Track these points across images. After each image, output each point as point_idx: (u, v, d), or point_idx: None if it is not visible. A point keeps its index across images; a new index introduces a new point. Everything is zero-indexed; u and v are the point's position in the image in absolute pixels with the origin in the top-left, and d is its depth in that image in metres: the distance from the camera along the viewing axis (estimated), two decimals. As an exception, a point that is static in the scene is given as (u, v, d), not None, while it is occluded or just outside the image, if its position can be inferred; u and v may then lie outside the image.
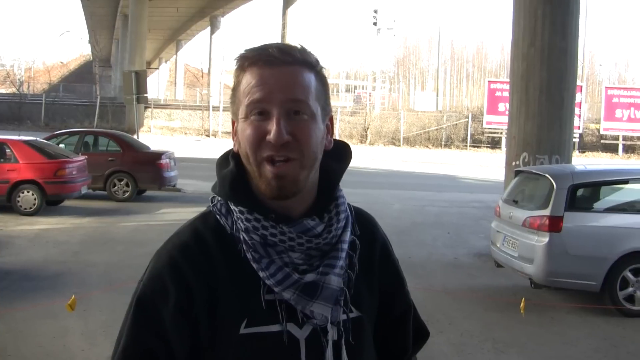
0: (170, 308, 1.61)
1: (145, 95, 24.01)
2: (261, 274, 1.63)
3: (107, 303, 8.71)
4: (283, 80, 1.61)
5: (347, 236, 1.74)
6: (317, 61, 1.69)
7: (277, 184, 1.61)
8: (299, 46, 1.67)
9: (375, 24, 59.51)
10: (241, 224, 1.66)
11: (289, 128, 1.59)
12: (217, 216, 1.72)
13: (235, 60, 1.67)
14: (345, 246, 1.72)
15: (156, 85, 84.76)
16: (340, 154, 1.79)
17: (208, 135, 49.36)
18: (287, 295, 1.62)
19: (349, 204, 1.80)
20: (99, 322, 8.02)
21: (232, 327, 1.62)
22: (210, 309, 1.63)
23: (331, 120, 1.76)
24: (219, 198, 1.74)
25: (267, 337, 1.63)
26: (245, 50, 1.67)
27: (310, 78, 1.65)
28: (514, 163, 13.00)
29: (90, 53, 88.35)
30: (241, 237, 1.66)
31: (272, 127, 1.58)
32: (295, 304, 1.63)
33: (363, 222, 1.85)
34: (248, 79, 1.62)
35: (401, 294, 1.93)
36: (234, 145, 1.72)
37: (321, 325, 1.66)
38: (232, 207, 1.70)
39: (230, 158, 1.76)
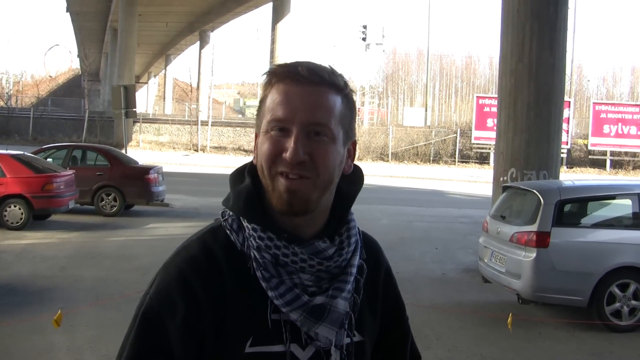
0: (178, 323, 1.60)
1: (134, 109, 23.98)
2: (270, 293, 1.62)
3: (94, 318, 8.68)
4: (308, 100, 1.61)
5: (356, 260, 1.74)
6: (346, 84, 1.69)
7: (288, 199, 1.61)
8: (328, 67, 1.67)
9: (364, 39, 59.61)
10: (253, 242, 1.65)
11: (307, 148, 1.60)
12: (228, 231, 1.70)
13: (265, 75, 1.67)
14: (354, 270, 1.73)
15: (145, 99, 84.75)
16: (352, 176, 1.79)
17: (197, 150, 49.29)
18: (295, 317, 1.61)
19: (357, 228, 1.80)
20: (85, 338, 7.98)
21: (237, 344, 1.62)
22: (218, 325, 1.61)
23: (354, 145, 1.78)
24: (231, 213, 1.73)
25: (270, 357, 1.63)
26: (275, 66, 1.68)
27: (336, 101, 1.65)
28: (501, 178, 13.03)
29: (79, 67, 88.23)
30: (252, 254, 1.65)
31: (290, 145, 1.58)
32: (301, 326, 1.63)
33: (368, 246, 1.86)
34: (274, 95, 1.62)
35: (401, 320, 1.94)
36: (254, 158, 1.71)
37: (325, 348, 1.66)
38: (245, 223, 1.68)
39: (246, 173, 1.75)
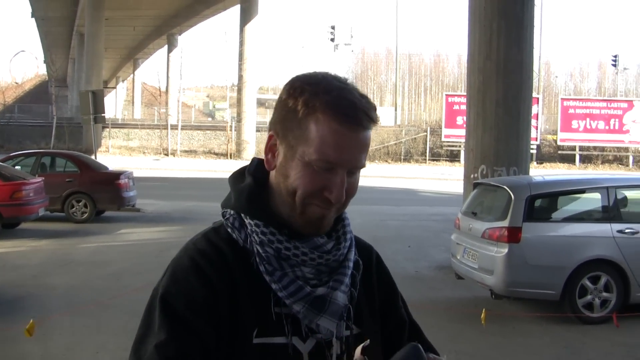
0: (198, 305, 1.62)
1: (103, 115, 23.80)
2: (274, 286, 1.66)
3: (67, 326, 8.61)
4: (358, 147, 1.64)
5: (352, 255, 1.80)
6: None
7: (318, 225, 1.69)
8: (369, 98, 1.68)
9: (332, 40, 59.83)
10: (256, 237, 1.69)
11: (345, 185, 1.66)
12: (229, 229, 1.74)
13: (300, 85, 1.66)
14: (351, 264, 1.78)
15: (114, 104, 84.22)
16: None
17: (167, 154, 49.04)
18: (297, 308, 1.66)
19: None
20: (59, 346, 7.91)
21: (245, 334, 1.65)
22: (231, 312, 1.65)
23: None
24: (232, 212, 1.76)
25: (274, 348, 1.66)
26: (316, 80, 1.67)
27: (370, 137, 1.69)
28: (472, 175, 13.09)
29: (46, 73, 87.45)
30: (255, 249, 1.69)
31: (335, 187, 1.64)
32: (303, 318, 1.67)
33: (360, 245, 1.91)
34: (324, 129, 1.61)
35: (395, 308, 1.97)
36: (269, 162, 1.73)
37: (326, 340, 1.70)
38: (247, 220, 1.72)
39: (246, 173, 1.80)
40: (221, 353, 1.63)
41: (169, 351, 1.57)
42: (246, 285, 1.67)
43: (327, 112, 1.60)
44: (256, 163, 1.81)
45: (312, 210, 1.66)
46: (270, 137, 1.72)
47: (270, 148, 1.72)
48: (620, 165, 45.36)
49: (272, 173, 1.73)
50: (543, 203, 10.06)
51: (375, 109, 1.66)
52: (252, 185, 1.75)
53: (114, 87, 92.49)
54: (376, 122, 1.65)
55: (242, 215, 1.73)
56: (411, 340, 1.90)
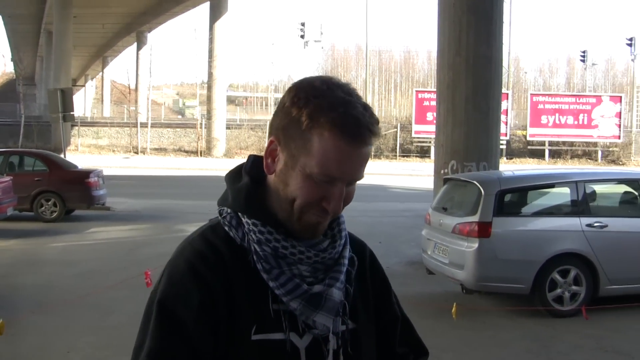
0: (194, 309, 1.64)
1: (72, 113, 23.58)
2: (271, 283, 1.69)
3: (37, 326, 8.53)
4: (360, 162, 1.66)
5: (347, 252, 1.83)
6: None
7: (313, 231, 1.72)
8: (373, 111, 1.68)
9: (302, 36, 59.70)
10: (254, 236, 1.72)
11: (344, 195, 1.68)
12: (227, 228, 1.76)
13: (305, 96, 1.65)
14: (346, 261, 1.81)
15: (82, 102, 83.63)
16: None
17: (137, 153, 48.80)
18: (294, 305, 1.69)
19: None
20: (29, 346, 7.84)
21: (244, 331, 1.67)
22: (229, 313, 1.67)
23: None
24: (229, 210, 1.77)
25: (272, 344, 1.69)
26: (321, 92, 1.65)
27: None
28: (442, 171, 13.15)
29: (13, 71, 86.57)
30: (253, 248, 1.72)
31: (333, 198, 1.66)
32: (300, 314, 1.70)
33: (354, 241, 1.93)
34: (328, 146, 1.61)
35: (388, 303, 2.00)
36: (269, 166, 1.73)
37: (322, 335, 1.73)
38: (244, 219, 1.74)
39: (244, 173, 1.82)
40: (221, 350, 1.65)
41: (161, 358, 1.60)
42: (244, 283, 1.69)
43: (332, 130, 1.60)
44: (252, 160, 1.83)
45: (309, 218, 1.69)
46: (271, 142, 1.72)
47: (270, 153, 1.72)
48: (589, 160, 45.85)
49: (271, 176, 1.74)
50: (513, 198, 10.14)
51: (377, 122, 1.67)
52: (249, 185, 1.77)
53: (83, 86, 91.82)
54: (378, 136, 1.67)
55: (240, 214, 1.75)
56: (403, 336, 2.00)
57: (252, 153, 1.89)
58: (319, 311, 1.70)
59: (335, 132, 1.60)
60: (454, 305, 7.79)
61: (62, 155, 22.19)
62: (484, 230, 9.31)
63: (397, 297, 2.05)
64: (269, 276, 1.68)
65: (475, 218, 9.43)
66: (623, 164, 44.30)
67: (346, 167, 1.63)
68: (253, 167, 1.80)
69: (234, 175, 1.84)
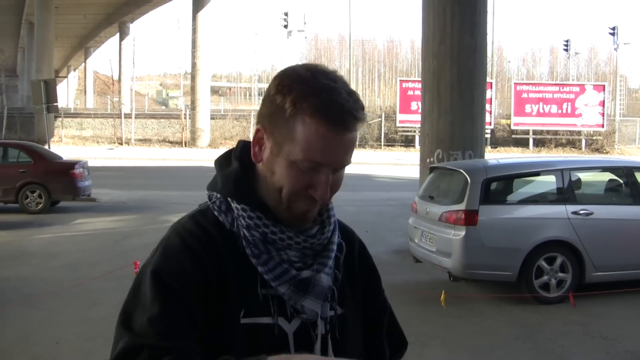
0: (189, 281, 1.63)
1: (55, 104, 23.50)
2: (260, 268, 1.70)
3: (24, 317, 8.52)
4: (344, 148, 1.66)
5: (336, 239, 1.83)
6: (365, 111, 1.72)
7: (302, 218, 1.72)
8: (359, 98, 1.67)
9: (285, 26, 59.57)
10: (243, 221, 1.72)
11: (330, 182, 1.68)
12: (216, 213, 1.76)
13: (289, 83, 1.65)
14: (335, 247, 1.82)
15: (65, 94, 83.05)
16: None
17: (121, 144, 48.58)
18: (283, 290, 1.69)
19: None
20: (13, 338, 7.82)
21: (233, 315, 1.67)
22: (219, 293, 1.67)
23: None
24: (218, 195, 1.78)
25: (260, 328, 1.69)
26: (305, 79, 1.65)
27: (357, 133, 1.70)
28: (428, 160, 13.18)
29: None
30: (242, 233, 1.72)
31: (320, 185, 1.66)
32: (288, 299, 1.70)
33: (343, 229, 1.94)
34: (311, 132, 1.61)
35: (377, 292, 2.01)
36: (256, 155, 1.74)
37: (311, 320, 1.74)
38: (234, 205, 1.74)
39: (233, 158, 1.82)
40: (209, 333, 1.65)
41: (162, 325, 1.57)
42: (233, 267, 1.69)
43: (314, 116, 1.60)
44: (242, 146, 1.83)
45: (298, 207, 1.69)
46: (257, 131, 1.72)
47: (257, 141, 1.73)
48: (573, 149, 45.99)
49: (260, 164, 1.75)
50: (499, 186, 10.18)
51: (363, 108, 1.66)
52: (238, 170, 1.77)
53: (65, 77, 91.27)
54: (364, 122, 1.66)
55: (229, 199, 1.76)
56: (389, 326, 2.01)
57: (241, 139, 1.90)
58: (307, 296, 1.71)
59: (318, 118, 1.59)
60: (443, 292, 7.83)
61: (46, 147, 22.07)
62: (470, 218, 9.35)
63: (383, 288, 2.05)
64: (257, 261, 1.69)
65: (462, 206, 9.47)
66: (607, 153, 44.50)
67: (330, 153, 1.63)
68: (243, 152, 1.80)
69: (223, 160, 1.85)
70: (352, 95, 1.64)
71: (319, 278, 1.73)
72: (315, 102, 1.60)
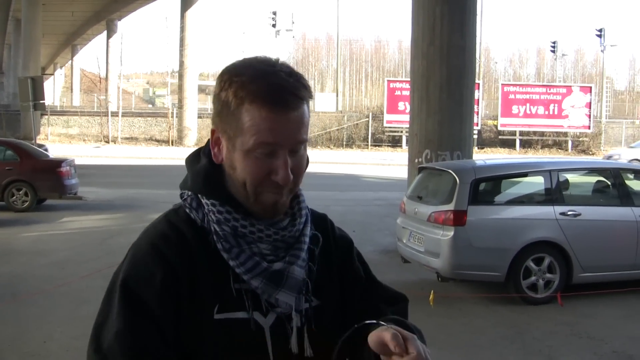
0: (157, 288, 1.64)
1: (42, 101, 23.42)
2: (231, 262, 1.69)
3: (11, 315, 8.51)
4: (292, 127, 1.66)
5: (308, 231, 1.84)
6: (311, 90, 1.73)
7: (273, 210, 1.73)
8: (299, 75, 1.69)
9: (274, 25, 59.58)
10: (213, 216, 1.73)
11: (290, 165, 1.67)
12: (188, 210, 1.77)
13: (229, 77, 1.67)
14: (307, 239, 1.82)
15: (52, 91, 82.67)
16: None
17: (108, 142, 48.42)
18: (256, 283, 1.69)
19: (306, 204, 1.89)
20: (4, 336, 7.79)
21: (206, 311, 1.67)
22: (191, 291, 1.67)
23: None
24: (190, 193, 1.79)
25: (236, 323, 1.69)
26: (242, 70, 1.68)
27: (307, 112, 1.70)
28: (416, 160, 13.19)
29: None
30: (212, 228, 1.72)
31: (280, 168, 1.66)
32: (262, 293, 1.70)
33: (315, 216, 1.94)
34: (255, 117, 1.63)
35: (350, 263, 1.96)
36: (216, 155, 1.76)
37: (285, 313, 1.73)
38: (204, 200, 1.75)
39: (202, 155, 1.83)
40: (184, 330, 1.65)
41: (128, 339, 1.58)
42: (206, 263, 1.70)
43: (255, 101, 1.62)
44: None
45: (265, 198, 1.70)
46: (212, 132, 1.75)
47: (215, 142, 1.75)
48: (559, 150, 46.20)
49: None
50: (488, 187, 10.21)
51: (305, 87, 1.68)
52: (207, 167, 1.78)
53: (52, 74, 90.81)
54: (306, 99, 1.68)
55: (199, 195, 1.77)
56: (375, 294, 1.96)
57: None
58: (281, 289, 1.71)
59: (258, 102, 1.62)
60: (431, 292, 7.85)
61: (33, 144, 21.98)
62: (459, 218, 9.38)
63: (364, 260, 2.02)
64: (229, 255, 1.69)
65: (450, 206, 9.49)
66: (593, 154, 44.70)
67: (279, 133, 1.63)
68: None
69: (193, 158, 1.86)
70: (293, 75, 1.67)
71: (292, 270, 1.73)
72: (252, 88, 1.62)
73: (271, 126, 1.62)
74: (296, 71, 1.69)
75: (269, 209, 1.72)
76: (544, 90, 46.62)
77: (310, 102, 1.74)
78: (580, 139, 46.84)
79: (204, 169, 1.78)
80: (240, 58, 1.77)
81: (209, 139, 1.84)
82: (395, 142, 47.17)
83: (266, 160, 1.65)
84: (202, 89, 71.32)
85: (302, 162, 1.72)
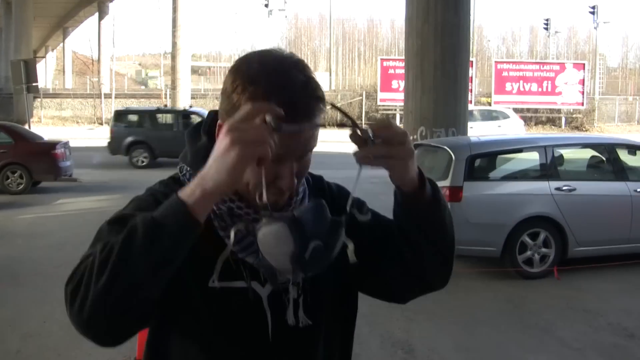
0: None
1: (35, 84, 23.37)
2: (227, 240, 1.69)
3: (10, 297, 8.54)
4: (303, 139, 1.63)
5: (306, 203, 1.81)
6: (324, 99, 1.69)
7: (272, 207, 1.65)
8: (318, 87, 1.66)
9: (266, 5, 59.30)
10: None
11: (295, 169, 1.66)
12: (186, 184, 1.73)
13: (242, 83, 1.63)
14: None
15: (43, 74, 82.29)
16: None
17: (101, 124, 48.24)
18: (251, 260, 1.70)
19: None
20: (4, 318, 7.82)
21: (202, 279, 1.69)
22: (188, 256, 1.60)
23: None
24: (188, 168, 1.80)
25: (234, 292, 1.71)
26: (256, 77, 1.62)
27: (319, 120, 1.66)
28: (411, 137, 13.16)
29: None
30: None
31: (285, 176, 1.64)
32: (258, 267, 1.69)
33: (314, 183, 1.94)
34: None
35: (383, 226, 2.02)
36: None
37: (283, 286, 1.74)
38: None
39: (202, 133, 1.82)
40: (180, 298, 1.67)
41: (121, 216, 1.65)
42: (203, 234, 1.64)
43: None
44: (212, 118, 1.81)
45: (267, 197, 1.64)
46: (219, 127, 1.70)
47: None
48: (553, 127, 46.23)
49: None
50: (483, 163, 10.24)
51: (319, 99, 1.65)
52: (207, 146, 1.71)
53: (44, 57, 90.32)
54: (320, 112, 1.65)
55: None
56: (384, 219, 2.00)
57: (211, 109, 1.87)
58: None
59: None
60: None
61: (26, 127, 21.92)
62: (455, 194, 9.41)
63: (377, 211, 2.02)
64: (225, 233, 1.70)
65: (446, 183, 9.52)
66: (586, 130, 44.75)
67: (288, 146, 1.58)
68: (212, 125, 1.78)
69: (193, 132, 1.86)
70: (307, 87, 1.63)
71: None
72: (266, 92, 1.58)
73: (281, 140, 1.53)
74: (311, 75, 1.66)
75: (271, 205, 1.68)
76: (537, 67, 46.58)
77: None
78: (574, 116, 46.87)
79: (205, 148, 1.74)
80: (252, 51, 1.73)
81: (210, 111, 1.84)
82: (389, 121, 47.10)
83: (272, 166, 1.60)
84: (194, 70, 71.14)
85: (306, 166, 1.71)
